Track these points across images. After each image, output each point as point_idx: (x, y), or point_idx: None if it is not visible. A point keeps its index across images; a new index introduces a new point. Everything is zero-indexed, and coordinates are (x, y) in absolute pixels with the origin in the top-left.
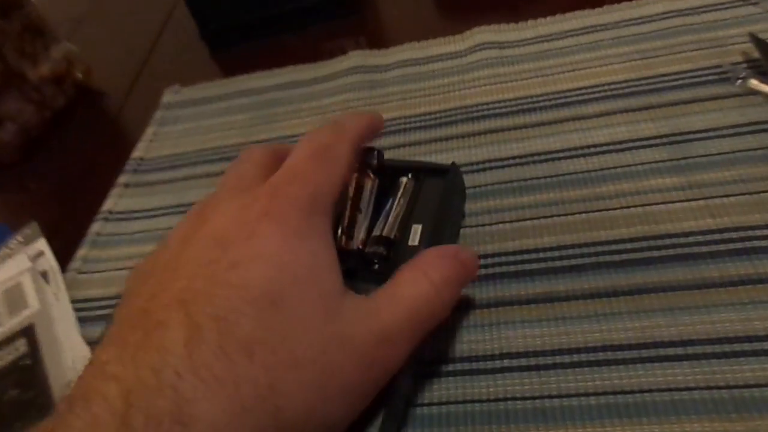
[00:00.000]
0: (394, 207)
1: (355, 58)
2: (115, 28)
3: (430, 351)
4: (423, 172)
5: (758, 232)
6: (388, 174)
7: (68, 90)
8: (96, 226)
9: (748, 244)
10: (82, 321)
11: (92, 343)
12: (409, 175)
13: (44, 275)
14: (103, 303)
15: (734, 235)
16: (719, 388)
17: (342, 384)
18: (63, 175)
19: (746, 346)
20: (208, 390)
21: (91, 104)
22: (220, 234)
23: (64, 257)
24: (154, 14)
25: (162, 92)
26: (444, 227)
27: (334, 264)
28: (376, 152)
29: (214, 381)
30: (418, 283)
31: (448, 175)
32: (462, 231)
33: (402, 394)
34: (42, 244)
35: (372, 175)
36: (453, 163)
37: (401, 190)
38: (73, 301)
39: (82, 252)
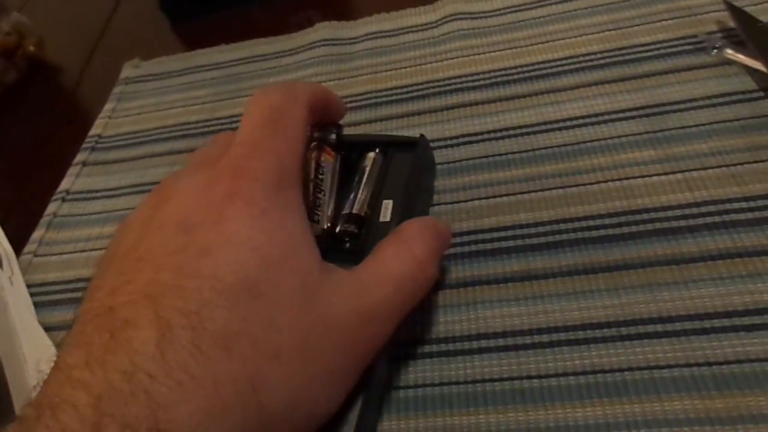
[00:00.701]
0: (363, 183)
1: (323, 30)
2: None
3: (405, 333)
4: (391, 146)
5: (736, 205)
6: (355, 150)
7: (20, 64)
8: (52, 207)
9: (726, 217)
10: (38, 306)
11: (49, 329)
12: (377, 150)
13: None
14: (61, 287)
15: (712, 208)
16: (699, 365)
17: (327, 370)
18: (16, 154)
19: (725, 322)
20: (185, 391)
21: (45, 79)
22: (183, 217)
23: (18, 240)
24: None
25: (120, 66)
26: (415, 202)
27: (309, 241)
28: (334, 127)
29: (191, 381)
30: (403, 258)
31: (416, 149)
32: (436, 208)
33: (379, 377)
34: None
35: (332, 153)
36: (421, 136)
37: (369, 166)
38: (29, 286)
39: (37, 234)
